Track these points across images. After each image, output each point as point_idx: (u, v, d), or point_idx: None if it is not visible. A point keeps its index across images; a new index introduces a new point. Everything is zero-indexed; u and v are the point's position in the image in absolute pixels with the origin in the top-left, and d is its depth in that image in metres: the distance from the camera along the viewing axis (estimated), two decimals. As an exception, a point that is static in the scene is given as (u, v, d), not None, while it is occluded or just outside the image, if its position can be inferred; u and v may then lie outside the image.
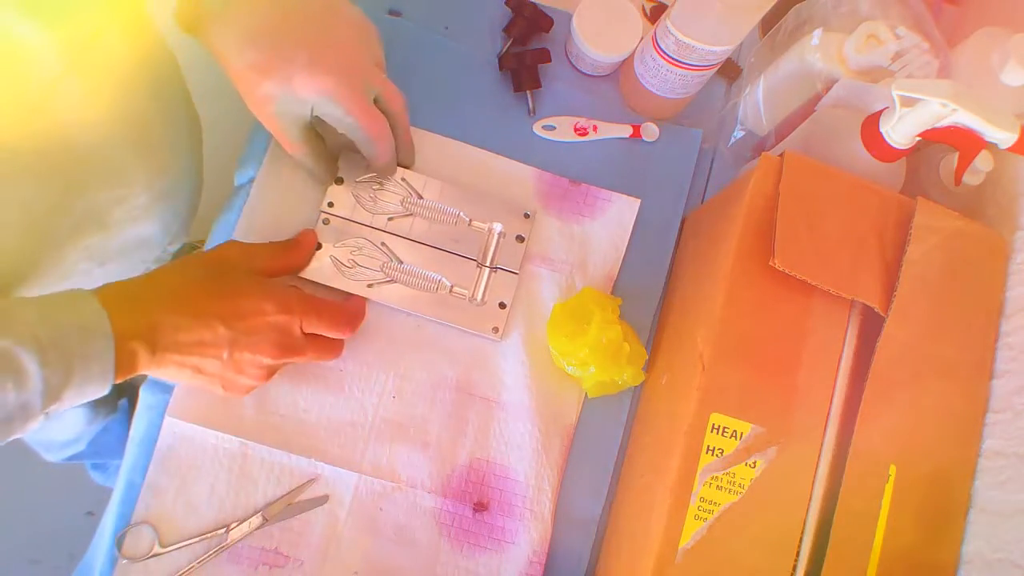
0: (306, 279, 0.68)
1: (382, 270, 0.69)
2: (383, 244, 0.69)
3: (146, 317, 0.51)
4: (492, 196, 0.72)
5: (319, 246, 0.68)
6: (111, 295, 0.50)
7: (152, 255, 0.76)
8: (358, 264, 0.68)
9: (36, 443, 1.15)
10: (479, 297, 0.70)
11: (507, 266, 0.71)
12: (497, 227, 0.72)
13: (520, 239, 0.72)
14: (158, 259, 0.77)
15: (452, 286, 0.70)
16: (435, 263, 0.70)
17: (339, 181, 0.70)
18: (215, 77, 0.62)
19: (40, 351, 0.45)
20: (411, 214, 0.71)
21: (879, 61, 0.66)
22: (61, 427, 1.02)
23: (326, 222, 0.69)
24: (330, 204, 0.70)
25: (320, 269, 0.68)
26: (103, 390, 0.49)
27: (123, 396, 1.12)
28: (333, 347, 0.65)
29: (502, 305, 0.70)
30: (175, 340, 0.52)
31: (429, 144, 0.74)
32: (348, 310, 0.65)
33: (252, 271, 0.60)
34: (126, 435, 0.66)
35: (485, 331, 0.70)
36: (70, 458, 1.18)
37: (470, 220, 0.72)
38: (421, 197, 0.71)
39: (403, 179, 0.71)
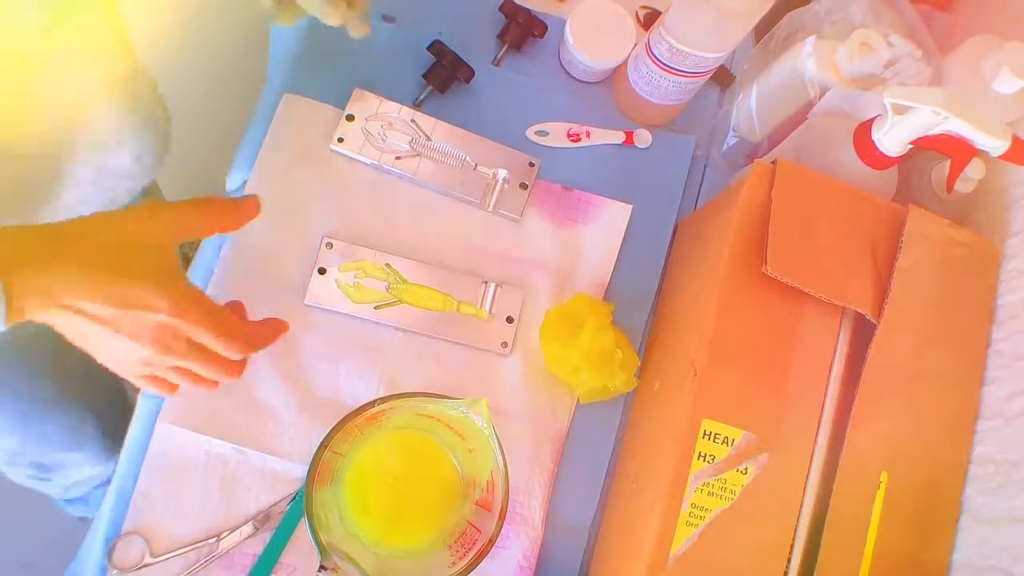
0: (311, 305, 0.68)
1: (388, 290, 0.69)
2: (387, 265, 0.69)
3: (37, 275, 0.50)
4: (498, 144, 0.74)
5: (323, 271, 0.68)
6: (5, 243, 0.49)
7: (125, 187, 0.73)
8: (362, 285, 0.69)
9: (60, 500, 1.15)
10: (487, 309, 0.70)
11: (509, 211, 0.73)
12: (502, 173, 0.73)
13: (523, 186, 0.74)
14: (130, 191, 0.74)
15: (459, 302, 0.70)
16: (439, 281, 0.70)
17: (350, 118, 0.71)
18: (205, 83, 0.61)
19: None
20: (418, 155, 0.72)
21: (871, 69, 0.66)
22: (77, 470, 1.02)
23: (329, 246, 0.69)
24: (340, 139, 0.71)
25: (325, 295, 0.68)
26: None
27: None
28: (226, 365, 0.59)
29: (509, 319, 0.71)
30: (60, 301, 0.51)
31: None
32: (245, 332, 0.58)
33: (167, 244, 0.56)
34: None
35: (494, 347, 0.70)
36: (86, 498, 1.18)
37: (475, 164, 0.73)
38: (429, 139, 0.72)
39: (412, 120, 0.72)
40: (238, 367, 0.60)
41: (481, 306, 0.70)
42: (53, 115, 0.61)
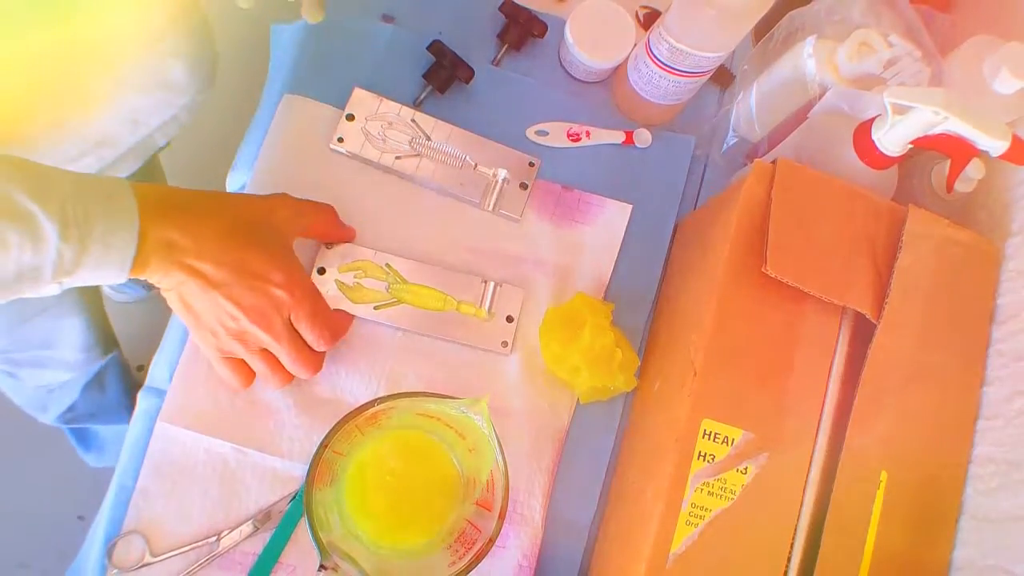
0: None
1: (388, 290, 0.69)
2: (387, 265, 0.69)
3: (172, 231, 0.53)
4: (498, 144, 0.74)
5: (322, 271, 0.68)
6: (149, 196, 0.52)
7: (179, 100, 0.74)
8: (362, 285, 0.69)
9: (29, 403, 1.13)
10: (486, 308, 0.70)
11: (509, 211, 0.73)
12: (502, 173, 0.73)
13: (524, 186, 0.74)
14: (187, 107, 0.75)
15: (459, 302, 0.70)
16: (439, 281, 0.70)
17: (350, 118, 0.71)
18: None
19: (63, 226, 0.47)
20: (418, 155, 0.72)
21: (871, 69, 0.66)
22: (54, 355, 1.01)
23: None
24: (340, 139, 0.71)
25: (324, 295, 0.67)
26: (118, 279, 0.52)
27: (115, 347, 1.11)
28: (308, 356, 0.63)
29: (509, 319, 0.71)
30: (182, 261, 0.54)
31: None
32: (338, 321, 0.65)
33: (290, 233, 0.62)
34: (121, 397, 0.67)
35: (494, 347, 0.70)
36: (66, 418, 1.17)
37: (476, 164, 0.73)
38: (429, 139, 0.72)
39: (412, 120, 0.72)
40: (317, 363, 0.64)
41: (481, 305, 0.70)
42: (99, 4, 0.61)
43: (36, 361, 0.98)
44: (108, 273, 0.51)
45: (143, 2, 0.64)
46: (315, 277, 0.68)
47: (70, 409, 1.15)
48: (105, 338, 1.06)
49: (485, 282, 0.71)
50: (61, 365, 1.03)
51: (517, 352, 0.71)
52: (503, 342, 0.70)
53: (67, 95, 0.63)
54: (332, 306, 0.67)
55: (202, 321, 0.58)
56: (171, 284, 0.56)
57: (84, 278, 0.50)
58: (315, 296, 0.62)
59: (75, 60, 0.61)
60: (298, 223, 0.63)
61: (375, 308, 0.68)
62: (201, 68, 0.73)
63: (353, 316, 0.68)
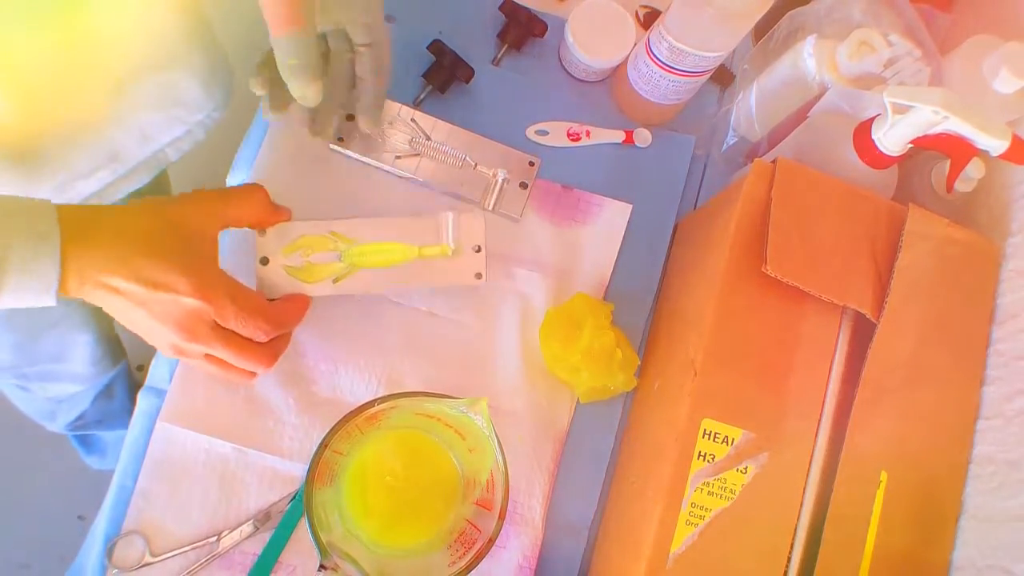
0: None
1: (341, 259, 0.65)
2: (331, 233, 0.65)
3: (92, 251, 0.52)
4: (498, 143, 0.74)
5: (265, 261, 0.64)
6: (72, 218, 0.51)
7: (193, 118, 0.73)
8: (311, 263, 0.64)
9: (39, 412, 1.13)
10: (449, 242, 0.66)
11: (509, 211, 0.73)
12: (501, 173, 0.73)
13: (523, 186, 0.74)
14: (202, 123, 0.74)
15: (419, 247, 0.66)
16: (392, 233, 0.66)
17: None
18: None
19: None
20: (418, 154, 0.72)
21: (871, 68, 0.66)
22: (65, 368, 1.01)
23: (262, 232, 0.64)
24: (339, 139, 0.71)
25: (277, 285, 0.63)
26: (46, 303, 0.51)
27: (123, 358, 1.11)
28: (254, 351, 0.59)
29: (477, 248, 0.66)
30: (103, 282, 0.53)
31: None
32: (280, 308, 0.61)
33: (211, 230, 0.59)
34: (128, 404, 0.66)
35: (468, 280, 0.66)
36: (74, 425, 1.17)
37: (475, 164, 0.73)
38: (429, 138, 0.72)
39: (412, 119, 0.72)
40: (267, 356, 0.60)
41: (443, 242, 0.66)
42: (112, 22, 0.60)
43: (46, 375, 0.99)
44: (31, 298, 0.50)
45: (156, 21, 0.64)
46: (260, 269, 0.64)
47: (79, 417, 1.15)
48: (114, 350, 1.06)
49: (440, 216, 0.66)
50: (71, 378, 1.04)
51: (517, 351, 0.71)
52: (476, 274, 0.66)
53: (79, 111, 0.63)
54: (288, 291, 0.63)
55: (141, 332, 0.57)
56: (97, 301, 0.54)
57: (7, 302, 0.50)
58: (234, 294, 0.57)
59: (87, 77, 0.61)
60: (221, 217, 0.60)
61: (334, 283, 0.64)
62: (217, 85, 0.72)
63: (307, 297, 0.63)
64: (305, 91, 0.59)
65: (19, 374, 0.96)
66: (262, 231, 0.64)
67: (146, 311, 0.54)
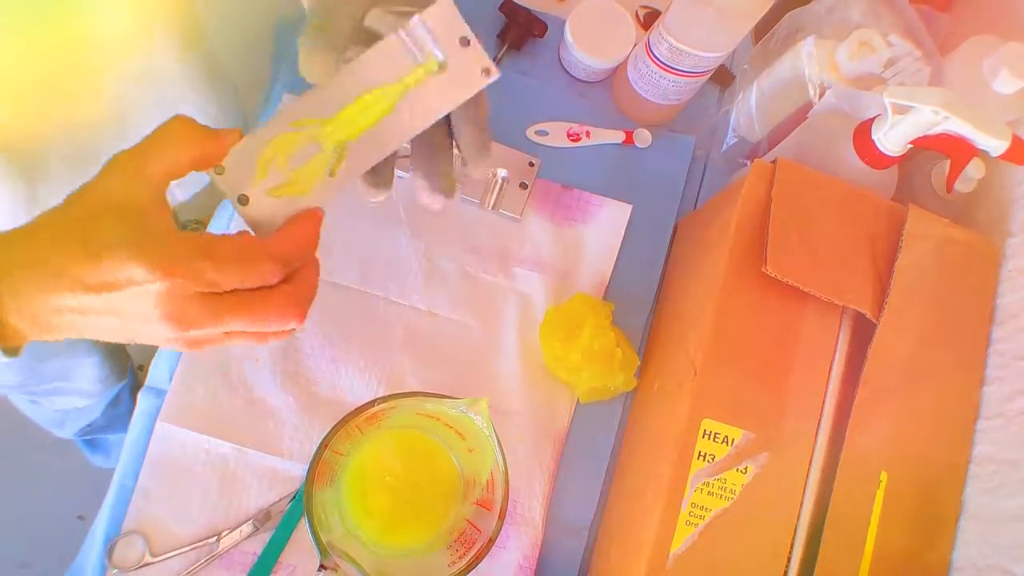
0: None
1: (321, 147, 0.50)
2: (294, 123, 0.50)
3: (15, 283, 0.42)
4: (498, 144, 0.74)
5: (243, 199, 0.49)
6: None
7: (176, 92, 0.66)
8: (294, 171, 0.50)
9: (49, 422, 1.13)
10: (435, 53, 0.50)
11: (509, 211, 0.73)
12: (501, 172, 0.73)
13: (523, 186, 0.74)
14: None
15: (399, 81, 0.50)
16: (360, 84, 0.50)
17: None
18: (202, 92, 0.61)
19: None
20: None
21: (871, 68, 0.66)
22: (72, 386, 1.01)
23: (219, 172, 0.49)
24: None
25: (270, 216, 0.50)
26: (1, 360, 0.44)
27: (129, 360, 1.11)
28: (273, 304, 0.47)
29: (466, 42, 0.51)
30: (50, 306, 0.43)
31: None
32: (272, 244, 0.47)
33: (141, 198, 0.45)
34: (133, 406, 0.66)
35: (477, 81, 0.51)
36: (83, 432, 1.17)
37: None
38: None
39: None
40: (290, 305, 0.47)
41: (425, 60, 0.50)
42: (104, 27, 0.56)
43: (55, 391, 0.99)
44: None
45: (150, 27, 0.63)
46: (242, 211, 0.49)
47: (88, 426, 1.15)
48: (122, 364, 1.06)
49: (406, 28, 0.49)
50: (79, 394, 1.04)
51: (517, 351, 0.70)
52: (483, 70, 0.51)
53: (75, 113, 0.62)
54: (289, 214, 0.50)
55: (143, 340, 0.47)
56: (73, 332, 0.45)
57: None
58: (208, 250, 0.44)
59: (81, 80, 0.60)
60: (147, 176, 0.45)
61: (332, 175, 0.50)
62: (214, 90, 0.72)
63: (312, 210, 0.50)
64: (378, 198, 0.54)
65: (28, 391, 0.96)
66: (218, 169, 0.49)
67: (116, 317, 0.44)
